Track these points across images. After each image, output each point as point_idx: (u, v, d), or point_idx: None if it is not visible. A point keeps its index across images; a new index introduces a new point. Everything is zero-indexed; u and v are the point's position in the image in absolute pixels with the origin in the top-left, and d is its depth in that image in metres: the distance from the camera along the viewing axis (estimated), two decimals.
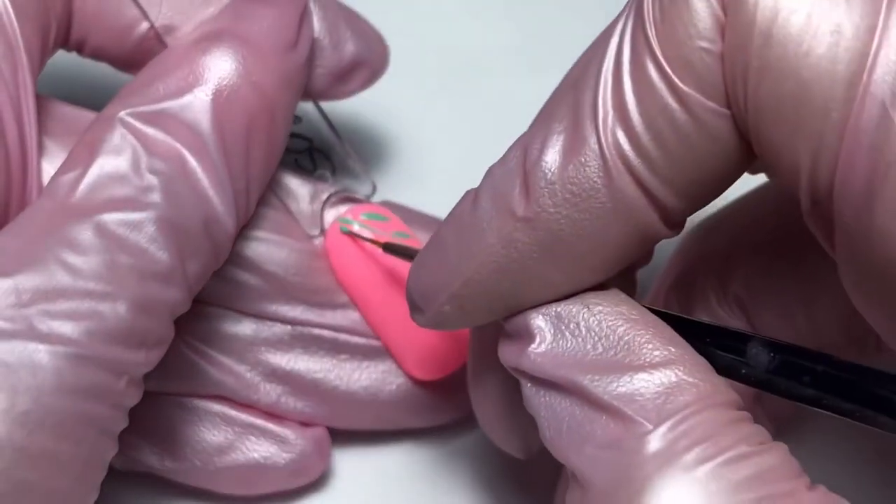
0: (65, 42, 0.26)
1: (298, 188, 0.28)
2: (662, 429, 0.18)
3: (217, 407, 0.28)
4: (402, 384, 0.28)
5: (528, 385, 0.20)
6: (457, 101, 0.36)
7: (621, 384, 0.19)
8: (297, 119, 0.28)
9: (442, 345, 0.28)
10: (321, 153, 0.29)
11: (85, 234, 0.22)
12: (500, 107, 0.36)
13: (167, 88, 0.24)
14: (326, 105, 0.29)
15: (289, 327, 0.28)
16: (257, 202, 0.26)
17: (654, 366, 0.19)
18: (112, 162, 0.23)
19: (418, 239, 0.28)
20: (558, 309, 0.20)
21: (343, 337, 0.28)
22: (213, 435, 0.27)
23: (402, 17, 0.37)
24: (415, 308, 0.22)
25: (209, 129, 0.23)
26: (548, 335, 0.20)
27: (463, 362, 0.28)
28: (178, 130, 0.23)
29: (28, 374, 0.21)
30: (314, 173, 0.29)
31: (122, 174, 0.22)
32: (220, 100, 0.24)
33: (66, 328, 0.21)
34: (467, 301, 0.21)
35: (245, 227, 0.26)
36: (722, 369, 0.20)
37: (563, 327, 0.20)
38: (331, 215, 0.28)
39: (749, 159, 0.19)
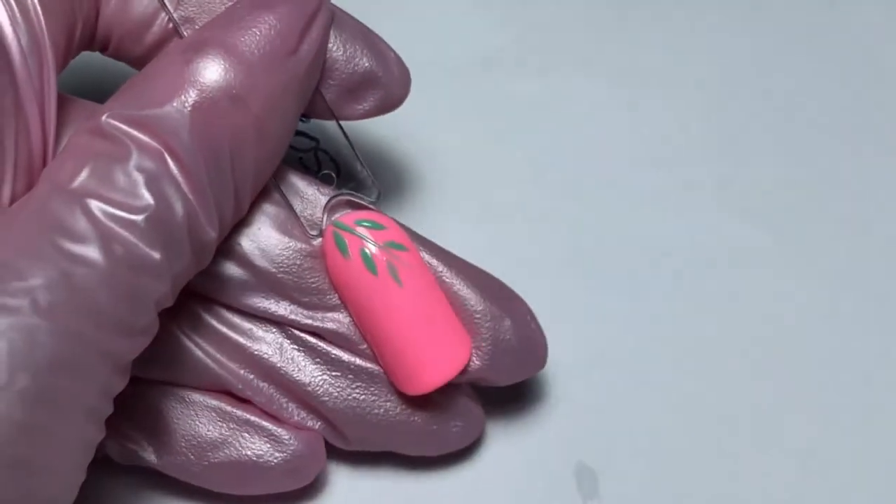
0: (90, 42, 0.27)
1: (304, 188, 0.28)
2: None
3: (214, 402, 0.28)
4: (390, 408, 0.28)
5: None
6: (457, 101, 0.37)
7: None
8: (306, 118, 0.28)
9: (432, 359, 0.27)
10: (326, 154, 0.29)
11: (80, 222, 0.22)
12: (501, 107, 0.37)
13: (151, 96, 0.24)
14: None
15: (283, 333, 0.28)
16: (255, 200, 0.27)
17: None
18: (103, 158, 0.23)
19: (417, 252, 0.28)
20: None
21: (335, 352, 0.28)
22: (208, 430, 0.27)
23: (402, 17, 0.38)
24: None
25: (188, 140, 0.23)
26: None
27: (451, 376, 0.27)
28: (159, 136, 0.23)
29: (28, 351, 0.21)
30: (319, 174, 0.29)
31: (113, 170, 0.23)
32: (199, 113, 0.24)
33: (63, 308, 0.21)
34: None
35: (240, 221, 0.27)
36: None
37: None
38: (333, 217, 0.28)
39: None
